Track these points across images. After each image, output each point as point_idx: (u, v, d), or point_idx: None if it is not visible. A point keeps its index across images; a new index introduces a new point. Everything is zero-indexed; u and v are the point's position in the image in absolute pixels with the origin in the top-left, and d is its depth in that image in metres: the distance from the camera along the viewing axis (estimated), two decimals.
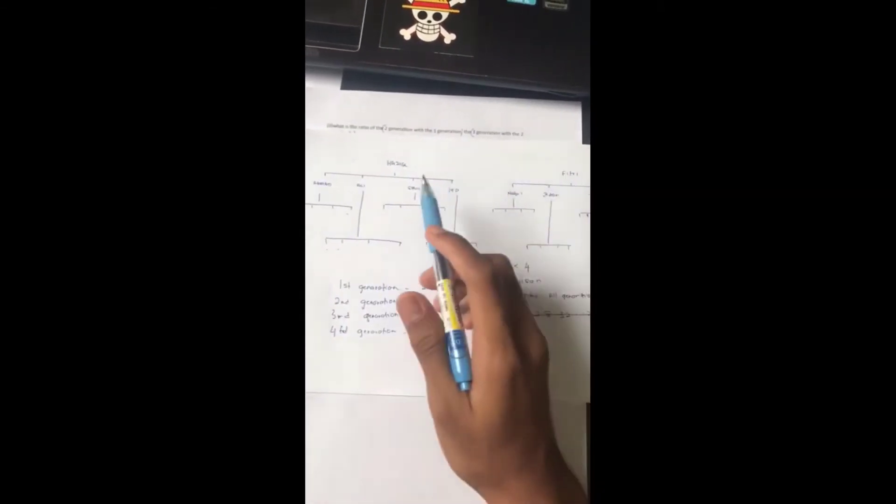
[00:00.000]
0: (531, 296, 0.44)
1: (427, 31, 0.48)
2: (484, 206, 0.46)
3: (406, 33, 0.48)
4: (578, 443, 0.41)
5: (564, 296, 0.44)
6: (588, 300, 0.44)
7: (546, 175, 0.47)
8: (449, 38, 0.48)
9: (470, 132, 0.48)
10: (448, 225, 0.46)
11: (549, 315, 0.44)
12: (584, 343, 0.42)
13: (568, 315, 0.44)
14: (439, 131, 0.48)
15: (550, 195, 0.46)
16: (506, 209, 0.46)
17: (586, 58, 0.46)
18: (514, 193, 0.46)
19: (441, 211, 0.45)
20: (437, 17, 0.48)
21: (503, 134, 0.48)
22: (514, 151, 0.47)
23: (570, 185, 0.47)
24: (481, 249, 0.44)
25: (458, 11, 0.48)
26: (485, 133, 0.48)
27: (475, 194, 0.46)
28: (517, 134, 0.48)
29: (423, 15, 0.48)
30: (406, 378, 0.42)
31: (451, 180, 0.47)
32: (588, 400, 0.42)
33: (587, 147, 0.48)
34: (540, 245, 0.46)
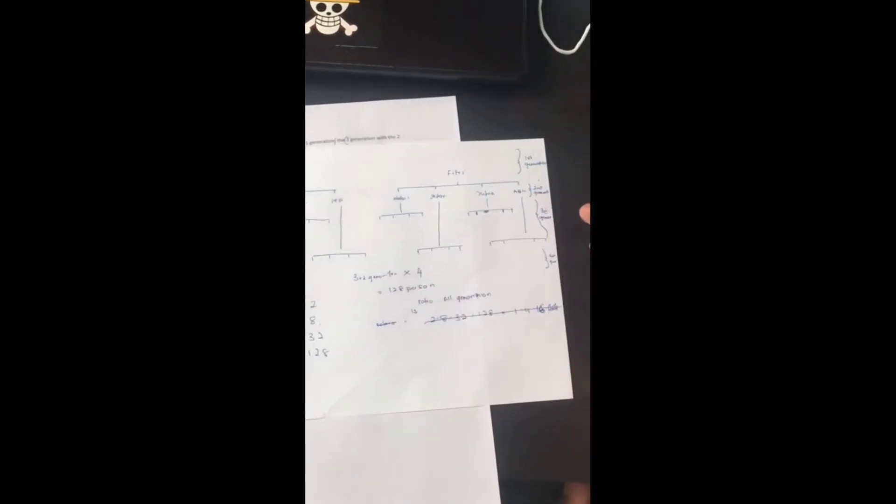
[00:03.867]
0: (425, 301, 0.43)
1: (327, 23, 0.46)
2: (370, 214, 0.45)
3: (305, 27, 0.46)
4: (481, 449, 0.41)
5: (460, 298, 0.44)
6: (482, 300, 0.44)
7: (431, 176, 0.46)
8: (350, 29, 0.46)
9: (344, 140, 0.47)
10: (334, 236, 0.44)
11: (444, 320, 0.43)
12: (482, 345, 0.42)
13: (464, 317, 0.43)
14: (312, 143, 0.46)
15: (438, 196, 0.46)
16: (393, 215, 0.45)
17: (494, 41, 0.46)
18: (401, 198, 0.45)
19: (325, 224, 0.44)
20: (336, 8, 0.46)
21: (379, 139, 0.47)
22: (396, 155, 0.46)
23: (457, 185, 0.46)
24: (371, 258, 0.44)
25: (358, 2, 0.47)
26: (359, 140, 0.47)
27: (361, 203, 0.45)
28: (393, 137, 0.47)
29: (321, 7, 0.46)
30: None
31: (334, 190, 0.45)
32: (492, 403, 0.42)
33: (469, 144, 0.47)
34: (431, 248, 0.45)
